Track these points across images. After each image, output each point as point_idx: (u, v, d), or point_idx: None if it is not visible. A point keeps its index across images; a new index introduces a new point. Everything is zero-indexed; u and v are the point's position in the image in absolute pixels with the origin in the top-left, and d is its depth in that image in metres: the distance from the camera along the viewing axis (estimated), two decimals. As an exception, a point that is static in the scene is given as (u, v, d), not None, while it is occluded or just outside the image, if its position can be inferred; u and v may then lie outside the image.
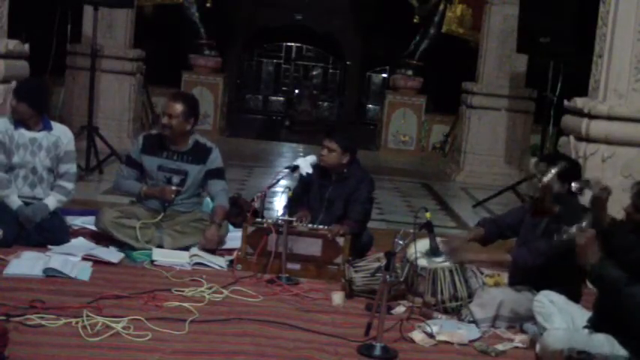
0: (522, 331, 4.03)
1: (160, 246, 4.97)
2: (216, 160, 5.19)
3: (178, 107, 5.03)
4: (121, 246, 4.94)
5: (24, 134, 4.94)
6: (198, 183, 5.20)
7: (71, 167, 5.11)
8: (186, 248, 4.98)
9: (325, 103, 20.48)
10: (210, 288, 4.30)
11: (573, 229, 3.43)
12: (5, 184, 4.89)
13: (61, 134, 5.05)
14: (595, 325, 3.57)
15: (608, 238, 3.51)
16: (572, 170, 4.34)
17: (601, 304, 3.57)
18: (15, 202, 4.88)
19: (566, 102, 5.97)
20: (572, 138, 5.71)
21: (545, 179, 4.08)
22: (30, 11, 7.82)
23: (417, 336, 3.85)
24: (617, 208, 5.19)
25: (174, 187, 5.08)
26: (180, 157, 5.14)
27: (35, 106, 4.91)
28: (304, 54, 21.12)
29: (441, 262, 4.32)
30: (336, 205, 5.10)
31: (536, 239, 4.15)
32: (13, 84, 5.76)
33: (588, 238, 3.38)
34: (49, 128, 5.01)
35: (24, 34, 6.13)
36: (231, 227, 5.36)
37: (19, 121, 4.93)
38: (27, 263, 4.39)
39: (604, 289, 3.43)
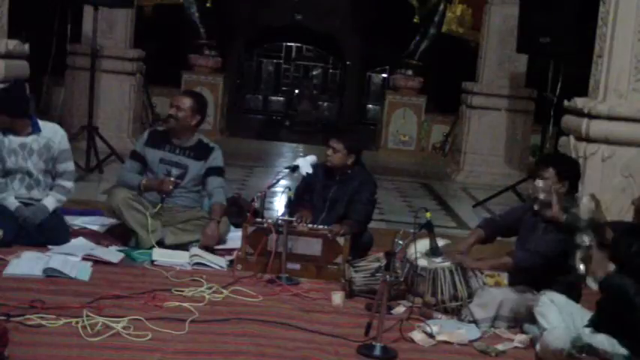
0: (522, 331, 4.03)
1: (162, 241, 4.99)
2: (217, 158, 5.24)
3: (187, 101, 5.15)
4: (123, 246, 4.93)
5: (13, 140, 4.92)
6: (198, 179, 5.22)
7: (69, 165, 5.10)
8: (187, 245, 4.99)
9: (325, 103, 20.47)
10: (210, 288, 4.30)
11: (581, 210, 3.42)
12: (1, 188, 4.88)
13: (52, 135, 5.00)
14: (596, 324, 3.57)
15: (612, 247, 3.50)
16: (571, 169, 4.34)
17: (604, 306, 3.56)
18: (13, 203, 4.87)
19: (566, 102, 5.97)
20: (572, 138, 5.71)
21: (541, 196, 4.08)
22: (30, 11, 7.82)
23: (417, 336, 3.85)
24: (616, 209, 5.22)
25: (172, 179, 5.10)
26: (183, 151, 5.19)
27: (15, 114, 4.88)
28: (304, 54, 21.11)
29: (441, 262, 4.31)
30: (338, 206, 5.10)
31: (537, 239, 4.15)
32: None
33: (597, 259, 3.41)
34: (37, 131, 4.96)
35: (24, 34, 6.13)
36: (231, 227, 5.36)
37: (4, 129, 4.92)
38: (27, 263, 4.39)
39: (614, 298, 3.43)
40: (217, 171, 5.22)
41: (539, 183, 4.19)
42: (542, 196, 4.11)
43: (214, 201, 5.14)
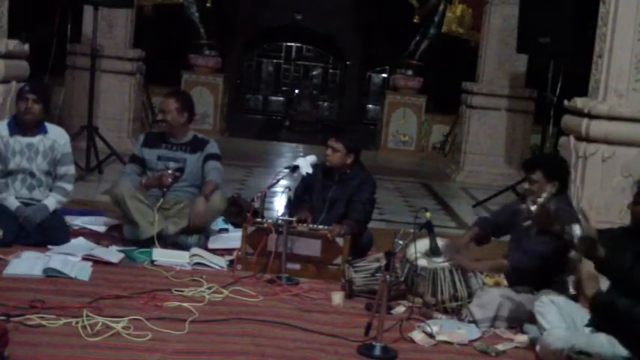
0: (522, 331, 4.03)
1: (165, 232, 5.02)
2: (213, 147, 5.37)
3: (171, 103, 5.28)
4: (123, 246, 4.95)
5: (20, 141, 4.93)
6: (197, 172, 5.26)
7: (70, 169, 5.12)
8: (187, 229, 5.05)
9: (325, 103, 20.51)
10: (210, 288, 4.30)
11: (575, 229, 3.41)
12: (1, 189, 4.89)
13: (57, 137, 5.05)
14: (596, 324, 3.56)
15: (605, 263, 3.48)
16: (559, 168, 4.32)
17: (597, 323, 3.56)
18: (13, 203, 4.87)
19: (566, 102, 5.97)
20: (572, 138, 5.71)
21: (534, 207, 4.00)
22: (30, 11, 7.82)
23: (417, 336, 3.85)
24: (616, 209, 5.22)
25: (170, 171, 5.14)
26: (179, 147, 5.30)
27: (48, 108, 5.04)
28: (304, 54, 21.15)
29: (440, 262, 4.31)
30: (338, 206, 5.10)
31: (532, 240, 4.13)
32: (13, 84, 5.76)
33: (587, 277, 3.40)
34: (44, 132, 5.01)
35: (24, 34, 6.12)
36: (231, 227, 5.36)
37: (21, 126, 4.92)
38: (27, 263, 4.39)
39: (604, 315, 3.42)
40: (214, 156, 5.32)
41: (530, 204, 4.11)
42: (532, 208, 4.05)
43: (208, 179, 5.18)
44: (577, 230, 3.39)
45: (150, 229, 4.97)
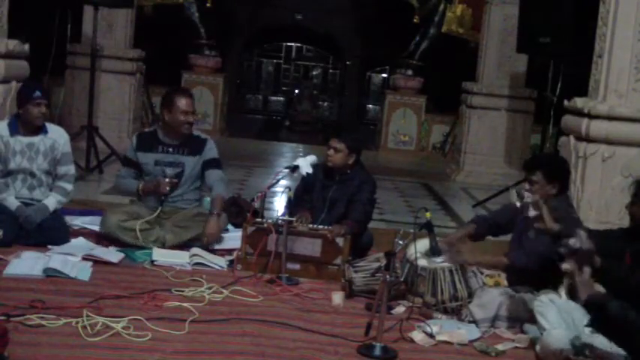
0: (522, 331, 4.03)
1: (163, 244, 4.98)
2: (211, 150, 5.24)
3: (193, 103, 5.21)
4: (123, 246, 4.94)
5: (21, 140, 4.94)
6: (196, 175, 5.22)
7: (70, 168, 5.12)
8: (188, 242, 5.00)
9: (325, 103, 20.50)
10: (210, 288, 4.30)
11: (573, 240, 3.40)
12: (1, 189, 4.89)
13: (57, 137, 5.06)
14: (595, 325, 3.56)
15: (602, 272, 3.47)
16: (559, 169, 4.32)
17: (594, 325, 3.55)
18: (13, 203, 4.87)
19: (566, 102, 5.98)
20: (572, 138, 5.72)
21: (532, 213, 3.98)
22: (30, 11, 7.82)
23: (417, 336, 3.85)
24: (616, 209, 5.23)
25: (167, 179, 5.09)
26: (176, 149, 5.18)
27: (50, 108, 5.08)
28: (304, 54, 21.16)
29: (440, 262, 4.31)
30: (338, 206, 5.10)
31: (533, 240, 4.14)
32: (13, 84, 5.76)
33: (582, 282, 3.40)
34: (45, 132, 5.01)
35: (24, 34, 6.12)
36: (231, 227, 5.35)
37: (25, 127, 4.93)
38: (27, 263, 4.39)
39: (597, 318, 3.42)
40: (214, 163, 5.21)
41: (528, 198, 4.12)
42: (532, 214, 4.05)
43: (215, 193, 5.12)
44: (574, 243, 3.39)
45: (152, 245, 4.95)
